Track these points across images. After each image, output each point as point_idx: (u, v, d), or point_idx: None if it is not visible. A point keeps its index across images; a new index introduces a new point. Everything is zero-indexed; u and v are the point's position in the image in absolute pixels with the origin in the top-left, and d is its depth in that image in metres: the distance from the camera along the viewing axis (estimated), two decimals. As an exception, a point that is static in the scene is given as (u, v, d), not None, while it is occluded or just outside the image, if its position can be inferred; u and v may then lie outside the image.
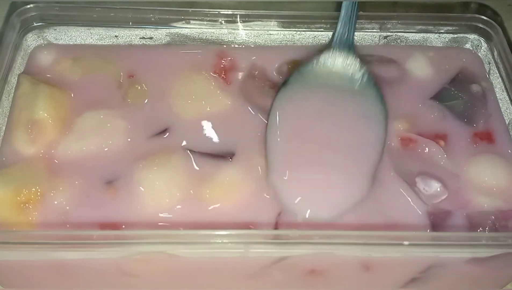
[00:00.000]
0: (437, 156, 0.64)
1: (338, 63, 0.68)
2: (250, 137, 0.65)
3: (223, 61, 0.72)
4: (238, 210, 0.60)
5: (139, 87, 0.69)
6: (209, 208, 0.60)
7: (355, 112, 0.66)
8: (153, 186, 0.60)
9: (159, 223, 0.59)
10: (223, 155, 0.64)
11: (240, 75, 0.71)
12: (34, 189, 0.59)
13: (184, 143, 0.65)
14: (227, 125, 0.67)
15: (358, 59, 0.68)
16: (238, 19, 0.73)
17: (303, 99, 0.66)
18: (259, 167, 0.63)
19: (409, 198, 0.61)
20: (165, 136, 0.65)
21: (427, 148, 0.65)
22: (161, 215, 0.59)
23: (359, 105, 0.66)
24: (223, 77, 0.71)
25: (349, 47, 0.69)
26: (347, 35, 0.69)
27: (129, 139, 0.64)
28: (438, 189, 0.61)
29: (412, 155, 0.65)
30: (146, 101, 0.68)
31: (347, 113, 0.65)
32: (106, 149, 0.64)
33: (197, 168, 0.63)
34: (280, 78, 0.71)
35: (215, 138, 0.66)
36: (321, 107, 0.66)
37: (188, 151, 0.64)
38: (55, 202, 0.59)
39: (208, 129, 0.66)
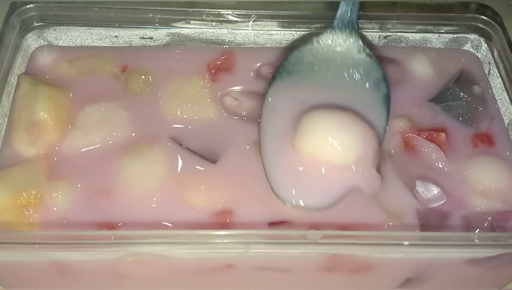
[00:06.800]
0: (437, 159, 0.64)
1: (340, 42, 0.66)
2: (242, 137, 0.65)
3: (222, 61, 0.72)
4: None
5: (139, 78, 0.69)
6: (189, 206, 0.60)
7: (357, 93, 0.64)
8: (137, 176, 0.61)
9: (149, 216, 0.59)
10: (208, 157, 0.63)
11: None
12: (34, 191, 0.59)
13: (172, 137, 0.65)
14: (222, 124, 0.67)
15: (360, 40, 0.66)
16: (238, 19, 0.73)
17: (301, 81, 0.65)
18: (244, 169, 0.63)
19: (408, 199, 0.61)
20: (154, 130, 0.65)
21: (427, 150, 0.64)
22: (152, 206, 0.60)
23: (362, 87, 0.65)
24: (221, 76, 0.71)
25: (352, 26, 0.66)
26: (350, 14, 0.66)
27: (133, 134, 0.65)
28: (437, 193, 0.61)
29: (414, 156, 0.65)
30: (148, 89, 0.69)
31: (350, 94, 0.64)
32: (111, 142, 0.64)
33: (180, 166, 0.63)
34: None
35: (204, 137, 0.65)
36: (323, 88, 0.64)
37: (175, 145, 0.64)
38: (56, 204, 0.59)
39: (198, 128, 0.66)
